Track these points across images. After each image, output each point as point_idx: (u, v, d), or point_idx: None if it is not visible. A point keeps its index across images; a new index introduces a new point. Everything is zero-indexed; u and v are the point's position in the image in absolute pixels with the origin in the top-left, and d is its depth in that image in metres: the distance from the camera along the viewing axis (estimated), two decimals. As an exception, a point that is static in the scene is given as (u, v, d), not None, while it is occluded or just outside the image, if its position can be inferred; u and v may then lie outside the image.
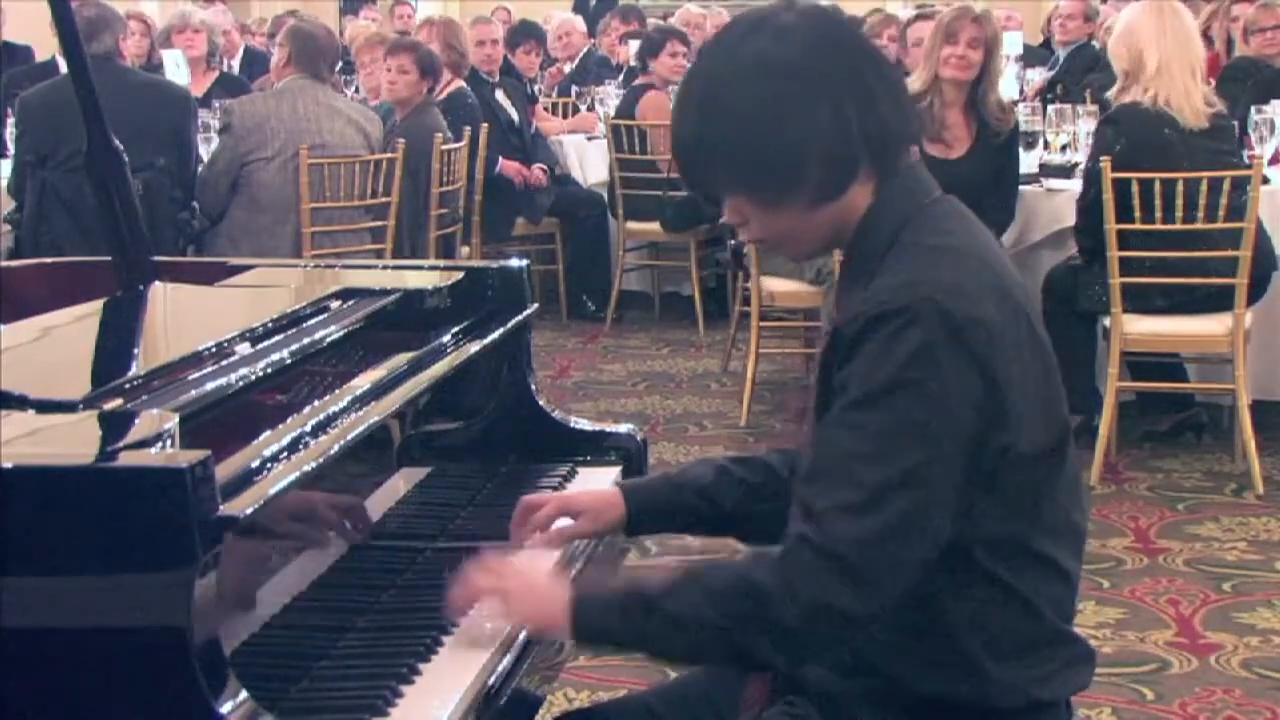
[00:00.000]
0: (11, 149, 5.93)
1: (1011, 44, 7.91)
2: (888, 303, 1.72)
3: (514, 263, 2.63)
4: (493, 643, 1.87)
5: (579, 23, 10.52)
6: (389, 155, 6.05)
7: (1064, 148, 5.77)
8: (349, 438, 1.88)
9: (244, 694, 1.51)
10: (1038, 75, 8.46)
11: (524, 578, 1.91)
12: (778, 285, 5.78)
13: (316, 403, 1.93)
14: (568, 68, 10.06)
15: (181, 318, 2.45)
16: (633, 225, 7.41)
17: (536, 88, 8.89)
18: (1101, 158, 4.82)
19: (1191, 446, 5.43)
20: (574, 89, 9.17)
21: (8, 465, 1.47)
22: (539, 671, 2.01)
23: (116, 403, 1.75)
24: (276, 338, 2.14)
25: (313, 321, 2.25)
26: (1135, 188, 4.81)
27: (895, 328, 1.70)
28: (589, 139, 8.10)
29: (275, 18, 10.38)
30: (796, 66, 1.79)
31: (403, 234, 6.26)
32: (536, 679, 2.02)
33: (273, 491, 1.65)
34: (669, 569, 1.85)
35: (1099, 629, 3.84)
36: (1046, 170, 5.73)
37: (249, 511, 1.58)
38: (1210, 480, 5.10)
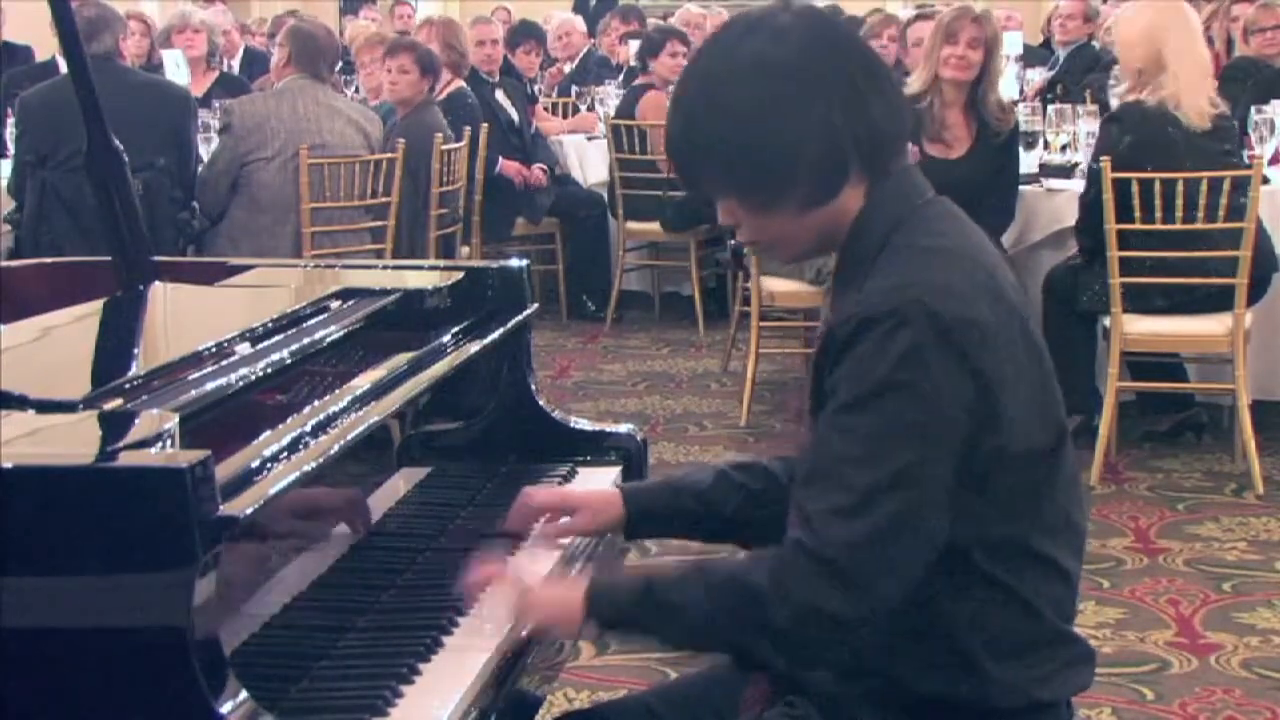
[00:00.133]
0: (11, 149, 5.93)
1: (1011, 44, 7.91)
2: (878, 305, 1.73)
3: (514, 263, 2.63)
4: (493, 643, 1.87)
5: (579, 23, 10.52)
6: (389, 155, 6.05)
7: (1064, 148, 5.77)
8: (349, 438, 1.88)
9: (244, 694, 1.51)
10: (1038, 75, 8.46)
11: (536, 578, 1.95)
12: (778, 285, 5.78)
13: (316, 403, 1.93)
14: (568, 68, 10.06)
15: (181, 318, 2.45)
16: (633, 225, 7.41)
17: (536, 88, 8.89)
18: (1105, 156, 4.82)
19: (1191, 446, 5.43)
20: (574, 89, 9.17)
21: (8, 465, 1.47)
22: (539, 671, 2.02)
23: (116, 403, 1.75)
24: (276, 338, 2.13)
25: (313, 321, 2.25)
26: (1135, 188, 4.81)
27: (885, 330, 1.71)
28: (589, 139, 8.10)
29: (275, 18, 10.38)
30: (792, 68, 1.79)
31: (403, 234, 6.26)
32: (536, 679, 2.02)
33: (273, 491, 1.64)
34: (682, 562, 1.86)
35: (1099, 629, 3.84)
36: (1046, 170, 5.74)
37: (249, 511, 1.58)
38: (1210, 480, 5.10)
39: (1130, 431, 5.41)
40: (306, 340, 2.14)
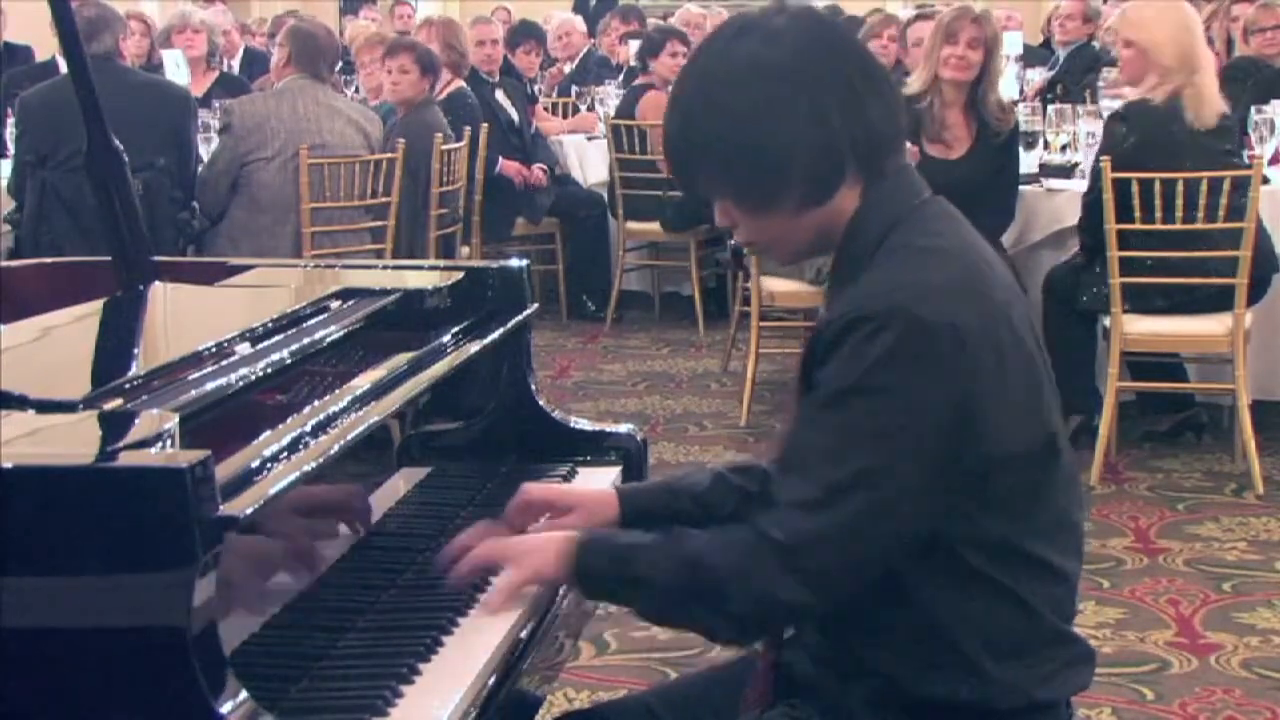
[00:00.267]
0: (11, 149, 5.93)
1: (1011, 44, 7.92)
2: (864, 306, 1.74)
3: (514, 263, 2.63)
4: (493, 643, 1.87)
5: (579, 23, 10.53)
6: (389, 155, 6.06)
7: (1064, 148, 5.77)
8: (349, 438, 1.88)
9: (244, 694, 1.51)
10: (1038, 75, 8.46)
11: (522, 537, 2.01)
12: (778, 285, 5.78)
13: (316, 403, 1.93)
14: (568, 68, 10.06)
15: (181, 318, 2.45)
16: (633, 225, 7.41)
17: (536, 88, 8.89)
18: (1109, 154, 4.82)
19: (1191, 446, 5.43)
20: (574, 89, 9.17)
21: (8, 465, 1.47)
22: (539, 671, 2.02)
23: (116, 403, 1.75)
24: (276, 338, 2.13)
25: (313, 321, 2.25)
26: (1135, 187, 4.81)
27: (867, 332, 1.72)
28: (589, 139, 8.11)
29: (275, 18, 10.38)
30: (785, 70, 1.79)
31: (402, 234, 6.26)
32: (536, 679, 2.02)
33: (273, 491, 1.64)
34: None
35: (1099, 629, 3.84)
36: (1046, 170, 5.74)
37: (249, 511, 1.58)
38: (1210, 480, 5.11)
39: (1130, 431, 5.41)
40: (306, 340, 2.14)
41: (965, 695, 1.82)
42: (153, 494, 1.47)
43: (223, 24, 9.30)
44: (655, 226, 7.36)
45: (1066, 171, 5.67)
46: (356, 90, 7.88)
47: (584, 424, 2.63)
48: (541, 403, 2.61)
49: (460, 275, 2.57)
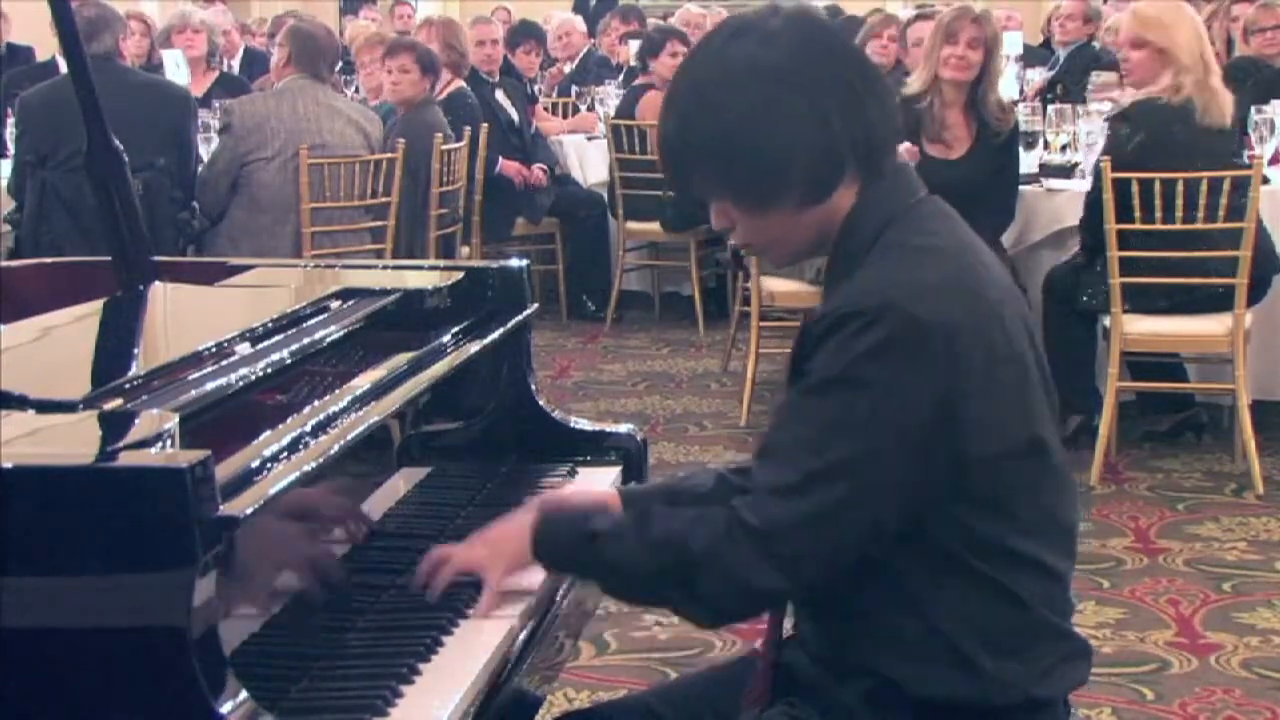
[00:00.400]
0: (11, 149, 5.93)
1: (1011, 44, 7.91)
2: (856, 301, 1.75)
3: (514, 263, 2.63)
4: (493, 643, 1.87)
5: (579, 23, 10.52)
6: (389, 155, 6.05)
7: (1064, 148, 5.76)
8: (349, 438, 1.88)
9: (244, 694, 1.51)
10: (1038, 75, 8.46)
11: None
12: (778, 285, 5.78)
13: (316, 403, 1.93)
14: (568, 68, 10.06)
15: (181, 318, 2.45)
16: (633, 225, 7.41)
17: (536, 88, 8.89)
18: (1114, 154, 4.81)
19: (1191, 446, 5.43)
20: (574, 89, 9.17)
21: (8, 465, 1.47)
22: (539, 671, 2.02)
23: (116, 403, 1.75)
24: (276, 338, 2.14)
25: (313, 321, 2.25)
26: (1136, 187, 4.81)
27: (858, 327, 1.73)
28: (589, 139, 8.11)
29: (275, 18, 10.38)
30: (783, 71, 1.79)
31: (402, 234, 6.26)
32: (536, 679, 2.02)
33: (273, 491, 1.65)
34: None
35: (1099, 629, 3.84)
36: (1046, 170, 5.73)
37: (249, 511, 1.58)
38: (1210, 480, 5.10)
39: (1130, 431, 5.41)
40: (306, 340, 2.14)
41: (964, 693, 1.82)
42: (153, 494, 1.47)
43: (223, 24, 9.30)
44: (655, 226, 7.36)
45: (1066, 171, 5.67)
46: (356, 90, 7.87)
47: (584, 424, 2.63)
48: (541, 403, 2.61)
49: (460, 275, 2.57)
